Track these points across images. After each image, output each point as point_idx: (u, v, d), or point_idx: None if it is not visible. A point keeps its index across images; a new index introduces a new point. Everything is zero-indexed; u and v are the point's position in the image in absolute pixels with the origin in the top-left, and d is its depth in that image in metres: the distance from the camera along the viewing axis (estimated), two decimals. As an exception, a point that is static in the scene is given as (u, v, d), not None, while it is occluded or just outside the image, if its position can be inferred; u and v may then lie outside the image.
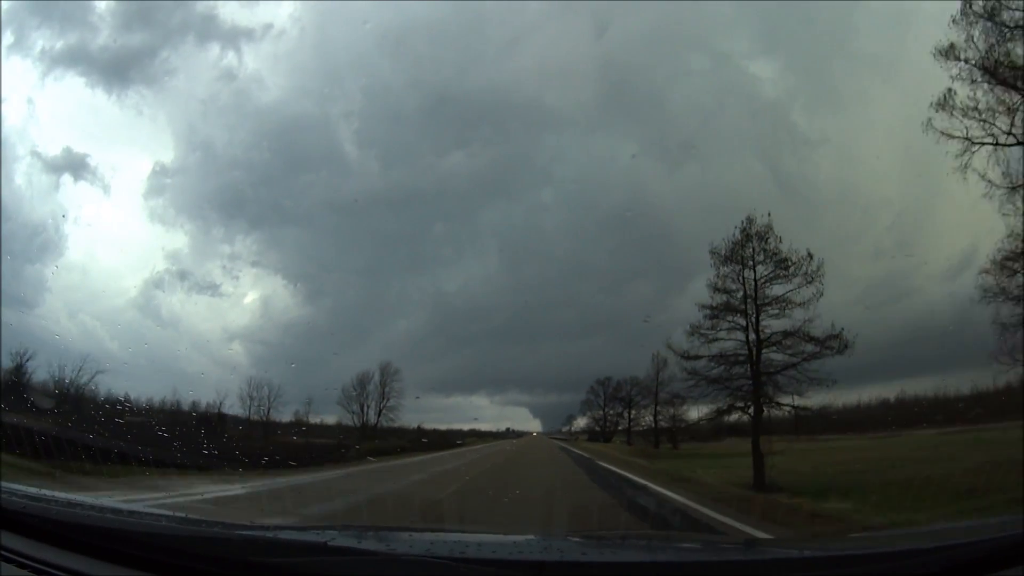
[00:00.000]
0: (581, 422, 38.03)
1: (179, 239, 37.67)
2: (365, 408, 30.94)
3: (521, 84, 35.85)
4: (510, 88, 35.27)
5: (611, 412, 34.95)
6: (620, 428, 35.13)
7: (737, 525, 7.34)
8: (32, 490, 2.94)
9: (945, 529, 3.49)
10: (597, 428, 36.42)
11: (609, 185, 32.81)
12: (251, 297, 32.69)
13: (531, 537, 2.97)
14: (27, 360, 17.22)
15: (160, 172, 32.58)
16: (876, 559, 2.09)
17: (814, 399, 14.10)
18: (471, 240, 34.53)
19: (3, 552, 2.10)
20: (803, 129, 31.60)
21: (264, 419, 26.55)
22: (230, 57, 41.23)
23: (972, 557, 1.85)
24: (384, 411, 31.10)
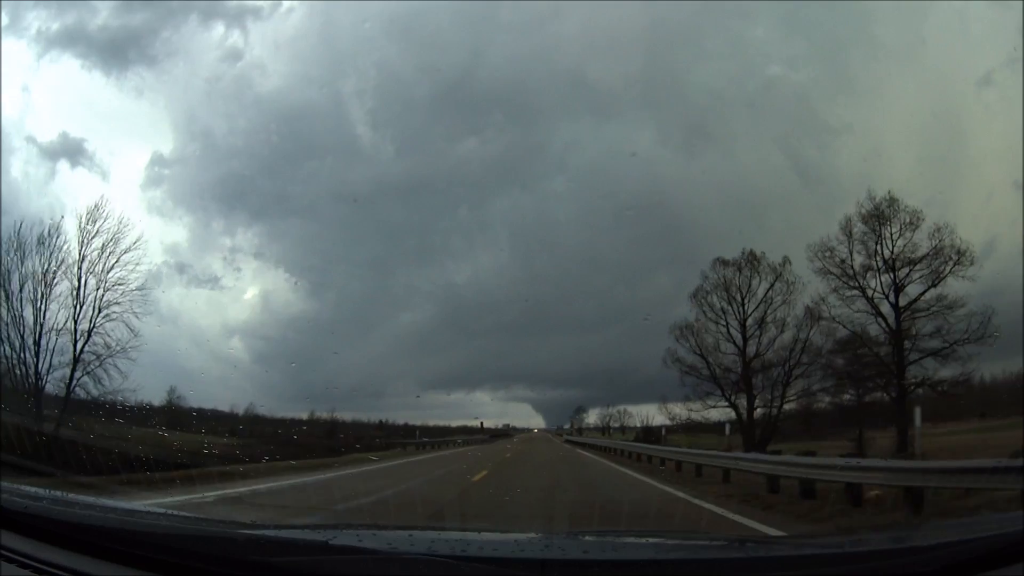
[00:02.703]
0: (591, 418, 33.19)
1: (178, 232, 37.38)
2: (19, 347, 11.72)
3: (534, 71, 35.24)
4: (525, 73, 34.51)
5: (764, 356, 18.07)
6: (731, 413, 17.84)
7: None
8: (33, 490, 2.94)
9: (944, 526, 3.51)
10: (678, 417, 19.16)
11: (624, 175, 32.25)
12: (252, 291, 32.31)
13: (533, 535, 2.98)
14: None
15: (158, 162, 32.14)
16: (874, 556, 2.09)
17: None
18: (481, 230, 34.04)
19: (4, 552, 2.11)
20: (824, 117, 31.32)
21: None
22: (235, 37, 40.16)
23: (971, 555, 1.85)
24: (85, 362, 12.62)
